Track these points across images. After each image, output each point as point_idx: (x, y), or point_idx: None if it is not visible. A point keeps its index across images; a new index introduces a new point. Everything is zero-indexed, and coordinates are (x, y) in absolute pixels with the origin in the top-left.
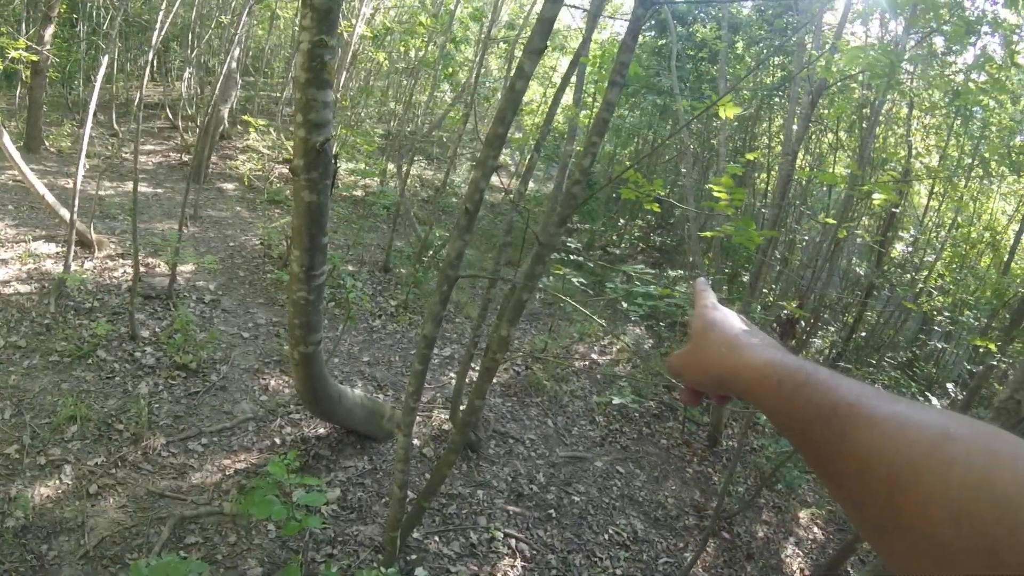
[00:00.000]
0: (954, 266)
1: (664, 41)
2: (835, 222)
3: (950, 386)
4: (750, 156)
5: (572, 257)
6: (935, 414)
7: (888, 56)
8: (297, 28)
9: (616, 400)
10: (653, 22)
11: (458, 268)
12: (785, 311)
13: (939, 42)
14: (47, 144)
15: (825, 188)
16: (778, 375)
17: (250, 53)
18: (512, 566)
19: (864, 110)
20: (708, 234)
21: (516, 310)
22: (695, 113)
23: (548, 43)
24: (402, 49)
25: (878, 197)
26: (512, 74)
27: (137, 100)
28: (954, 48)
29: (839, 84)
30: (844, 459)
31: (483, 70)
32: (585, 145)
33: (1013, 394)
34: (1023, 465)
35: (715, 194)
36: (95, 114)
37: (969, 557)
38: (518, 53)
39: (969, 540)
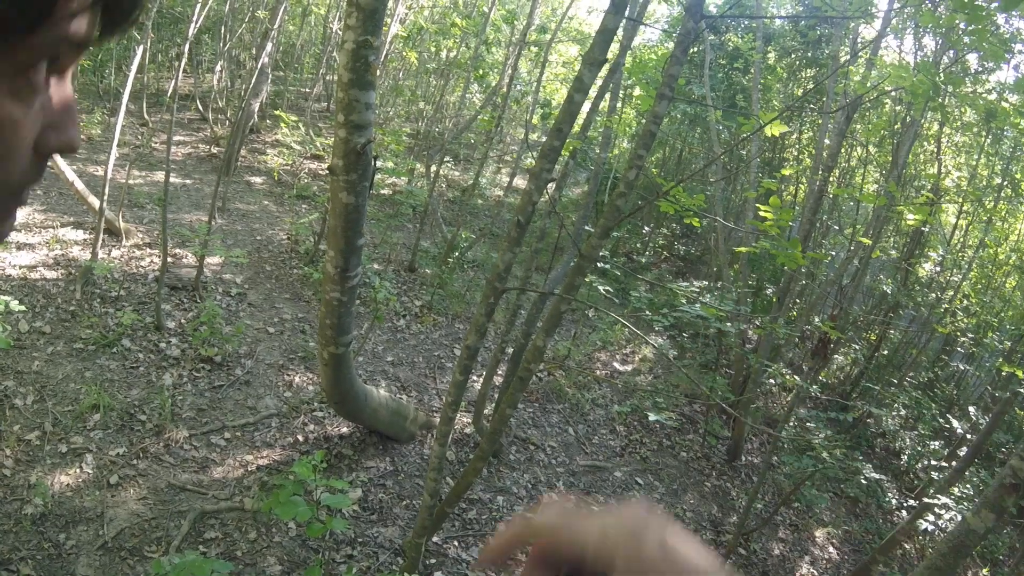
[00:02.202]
0: (980, 287)
1: (697, 49)
2: (870, 241)
3: (972, 409)
4: (785, 171)
5: (598, 264)
6: None
7: (931, 77)
8: (333, 26)
9: (652, 417)
10: (694, 36)
11: (506, 280)
12: (814, 328)
13: (972, 59)
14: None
15: (853, 203)
16: None
17: (281, 48)
18: None
19: (896, 126)
20: (743, 249)
21: (553, 322)
22: (739, 130)
23: (607, 54)
24: (433, 49)
25: (912, 217)
26: (571, 86)
27: (171, 91)
28: (988, 66)
29: (872, 100)
30: None
31: (514, 72)
32: (631, 158)
33: None
34: None
35: (761, 213)
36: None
37: None
38: (550, 57)
39: None
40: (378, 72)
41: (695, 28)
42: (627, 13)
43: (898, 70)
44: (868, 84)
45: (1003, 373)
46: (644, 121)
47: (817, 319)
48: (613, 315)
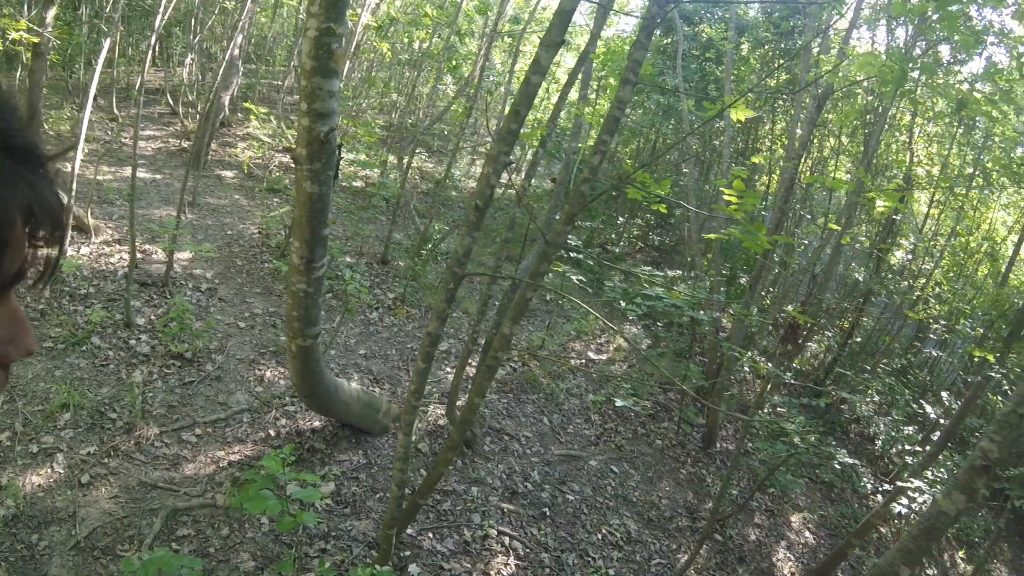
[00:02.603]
0: (952, 275)
1: (670, 40)
2: (839, 228)
3: (945, 394)
4: (755, 159)
5: (571, 254)
6: None
7: (900, 64)
8: (302, 16)
9: (619, 403)
10: (659, 20)
11: (465, 266)
12: (785, 314)
13: (944, 50)
14: (46, 127)
15: (825, 192)
16: None
17: (252, 40)
18: (505, 564)
19: (868, 116)
20: (712, 236)
21: (520, 309)
22: (707, 116)
23: (564, 36)
24: (406, 40)
25: (882, 204)
26: (528, 67)
27: (138, 85)
28: (960, 57)
29: (845, 89)
30: None
31: (487, 63)
32: (595, 143)
33: (1015, 408)
34: None
35: (726, 198)
36: (95, 98)
37: None
38: (523, 48)
39: None
40: (349, 63)
41: (660, 13)
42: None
43: (867, 57)
44: (839, 74)
45: (975, 359)
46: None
47: (790, 307)
48: (584, 306)
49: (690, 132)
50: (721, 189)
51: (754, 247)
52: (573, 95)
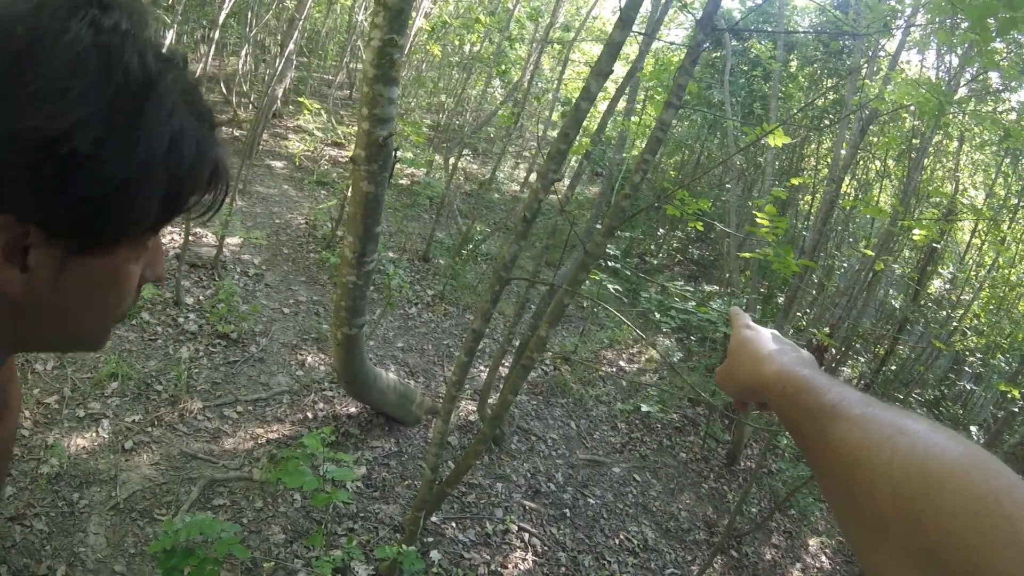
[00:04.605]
0: (991, 307)
1: (718, 54)
2: (873, 254)
3: (974, 429)
4: (795, 181)
5: (609, 263)
6: (897, 414)
7: (937, 96)
8: (359, 15)
9: (644, 408)
10: (704, 46)
11: (511, 270)
12: (815, 338)
13: (995, 77)
14: None
15: (869, 217)
16: (783, 383)
17: (306, 35)
18: (523, 559)
19: (913, 140)
20: (747, 255)
21: (557, 313)
22: (748, 139)
23: (613, 67)
24: (457, 43)
25: (919, 233)
26: (580, 93)
27: (197, 74)
28: (1011, 85)
29: (890, 113)
30: (823, 449)
31: (536, 69)
32: (638, 162)
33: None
34: (951, 456)
35: (758, 221)
36: None
37: (900, 526)
38: (572, 56)
39: (901, 512)
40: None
41: (704, 41)
42: (644, 27)
43: (906, 86)
44: (885, 98)
45: (1007, 395)
46: (653, 126)
47: (816, 330)
48: (618, 314)
49: (734, 152)
50: (754, 212)
51: (783, 269)
52: (620, 105)
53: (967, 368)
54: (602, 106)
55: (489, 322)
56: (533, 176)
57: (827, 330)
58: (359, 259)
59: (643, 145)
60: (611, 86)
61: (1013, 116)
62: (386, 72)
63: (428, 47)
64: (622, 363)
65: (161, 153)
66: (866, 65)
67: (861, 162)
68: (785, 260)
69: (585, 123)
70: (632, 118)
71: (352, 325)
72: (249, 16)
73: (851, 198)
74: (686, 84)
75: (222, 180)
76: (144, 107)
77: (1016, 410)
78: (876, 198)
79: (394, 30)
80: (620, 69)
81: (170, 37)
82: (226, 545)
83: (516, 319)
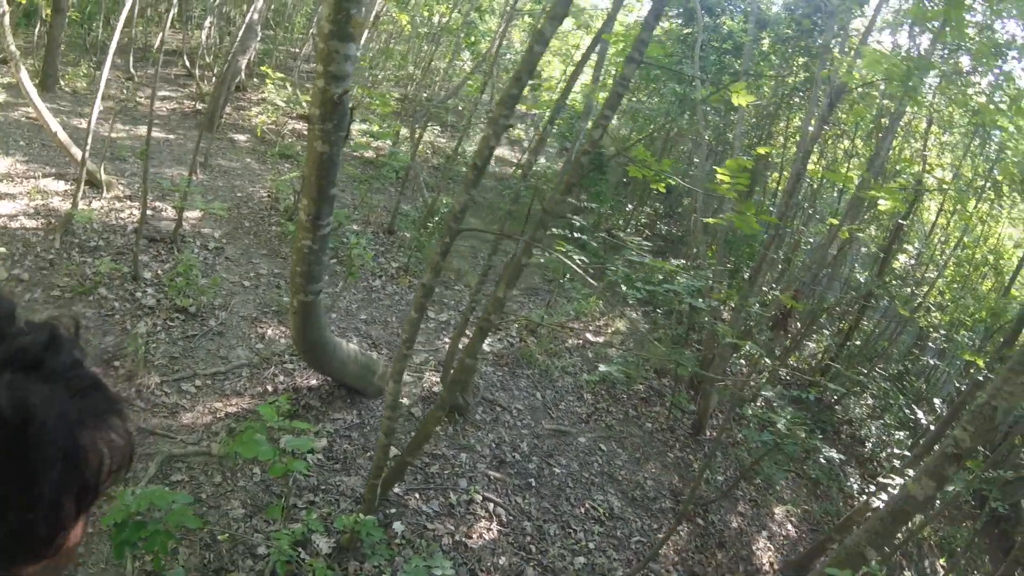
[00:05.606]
0: (955, 285)
1: (690, 30)
2: (837, 222)
3: (937, 401)
4: (762, 150)
5: (576, 235)
6: None
7: (906, 63)
8: None
9: (602, 368)
10: (681, 9)
11: (461, 221)
12: (780, 304)
13: (966, 60)
14: (62, 83)
15: (836, 194)
16: None
17: (272, 6)
18: (488, 529)
19: (883, 120)
20: (711, 220)
21: (514, 273)
22: (711, 96)
23: (569, 9)
24: (426, 14)
25: (884, 203)
26: (532, 37)
27: (157, 45)
28: (979, 68)
29: (859, 90)
30: None
31: (505, 42)
32: (597, 118)
33: (990, 400)
34: None
35: (719, 177)
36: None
37: None
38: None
39: None
40: (367, 33)
41: None
42: None
43: (875, 55)
44: (854, 74)
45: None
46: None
47: (790, 293)
48: (582, 274)
49: (699, 101)
50: (714, 168)
51: (745, 228)
52: (587, 78)
53: (931, 344)
54: (562, 72)
55: (440, 275)
56: (502, 149)
57: (791, 294)
58: (314, 222)
59: (619, 117)
60: (577, 54)
61: (983, 99)
62: (342, 28)
63: (396, 16)
64: (589, 335)
65: (56, 476)
66: (837, 44)
67: (829, 141)
68: (747, 218)
69: (553, 94)
70: (600, 93)
71: (308, 292)
72: None
73: (817, 171)
74: (648, 39)
75: (129, 458)
76: (25, 447)
77: (980, 379)
78: (843, 173)
79: None
80: (588, 40)
81: (127, 8)
82: (178, 516)
83: (479, 288)
